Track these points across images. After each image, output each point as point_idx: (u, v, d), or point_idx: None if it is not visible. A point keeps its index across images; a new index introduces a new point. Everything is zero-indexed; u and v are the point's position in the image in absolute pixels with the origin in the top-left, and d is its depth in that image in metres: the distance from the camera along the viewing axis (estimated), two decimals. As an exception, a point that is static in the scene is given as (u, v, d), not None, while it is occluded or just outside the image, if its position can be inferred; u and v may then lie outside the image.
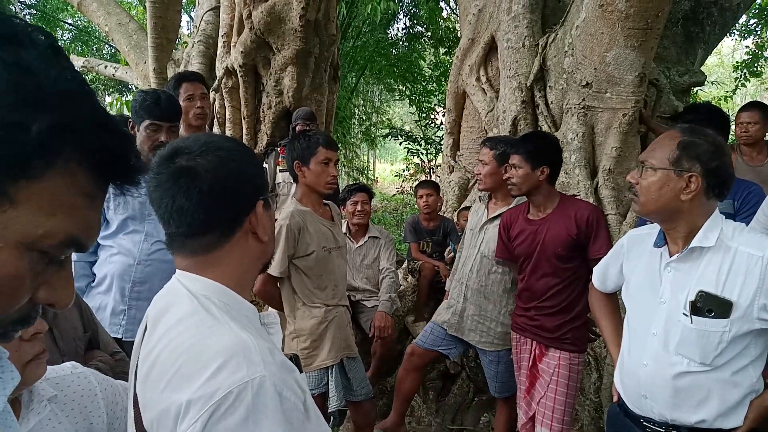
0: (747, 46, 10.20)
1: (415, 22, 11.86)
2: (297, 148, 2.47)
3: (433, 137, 11.86)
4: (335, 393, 2.50)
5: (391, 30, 12.27)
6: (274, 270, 2.41)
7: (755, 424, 1.53)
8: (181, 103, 3.03)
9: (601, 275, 2.00)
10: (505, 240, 2.70)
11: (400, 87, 12.47)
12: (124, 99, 8.87)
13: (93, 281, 2.42)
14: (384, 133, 13.34)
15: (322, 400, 2.50)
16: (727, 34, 7.28)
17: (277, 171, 4.21)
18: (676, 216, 1.59)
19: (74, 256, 2.39)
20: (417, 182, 4.77)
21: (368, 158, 20.60)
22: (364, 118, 14.05)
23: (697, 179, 1.53)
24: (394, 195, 14.25)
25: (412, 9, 11.73)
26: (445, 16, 11.79)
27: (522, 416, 2.64)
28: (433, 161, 12.08)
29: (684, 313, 1.56)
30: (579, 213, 2.48)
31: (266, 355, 0.87)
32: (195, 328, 0.91)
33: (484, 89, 4.36)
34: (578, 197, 3.22)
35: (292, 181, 4.09)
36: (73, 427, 1.22)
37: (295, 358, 1.24)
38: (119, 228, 2.39)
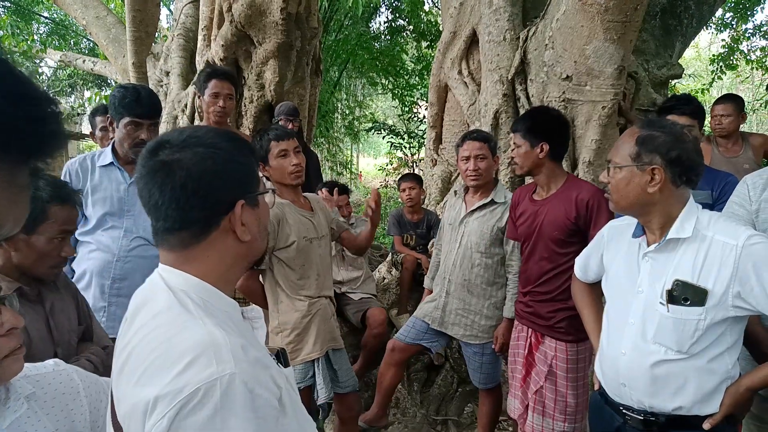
0: (723, 40, 10.32)
1: (397, 15, 11.80)
2: (256, 151, 2.46)
3: (416, 131, 11.86)
4: (323, 385, 2.51)
5: (373, 23, 12.21)
6: None
7: (731, 410, 1.56)
8: (205, 98, 3.07)
9: (583, 265, 2.02)
10: (513, 219, 2.66)
11: (383, 81, 12.41)
12: (103, 94, 8.73)
13: (72, 278, 2.39)
14: (367, 127, 13.29)
15: (308, 392, 2.50)
16: (704, 28, 7.37)
17: None
18: (649, 209, 1.62)
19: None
20: (400, 176, 4.78)
21: (351, 152, 20.54)
22: (347, 112, 13.96)
23: (660, 171, 1.56)
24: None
25: (393, 2, 11.69)
26: (427, 10, 11.77)
27: (519, 405, 2.55)
28: (417, 155, 12.09)
29: (661, 302, 1.58)
30: (580, 196, 2.35)
31: (238, 352, 0.86)
32: (168, 323, 0.91)
33: (465, 82, 4.37)
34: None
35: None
36: (54, 426, 1.20)
37: (282, 353, 1.23)
38: (98, 224, 2.36)
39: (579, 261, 2.05)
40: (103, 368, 1.58)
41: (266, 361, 0.93)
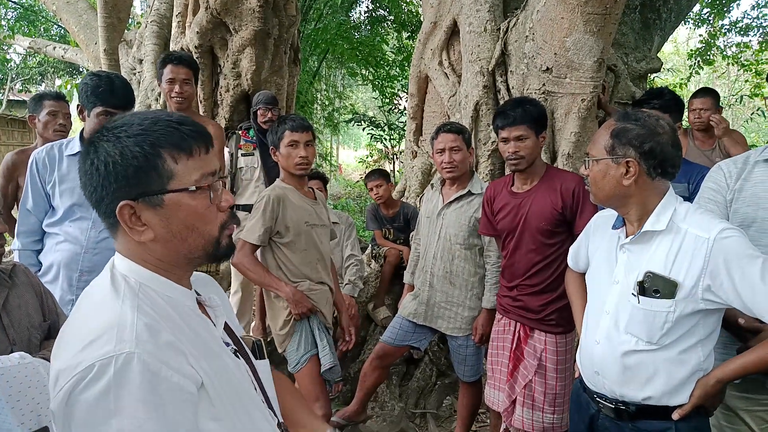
0: (700, 35, 10.49)
1: (378, 5, 11.71)
2: (272, 134, 2.61)
3: (397, 123, 11.82)
4: (327, 351, 2.58)
5: (354, 13, 12.10)
6: (249, 237, 2.49)
7: (701, 402, 1.56)
8: (162, 84, 3.02)
9: (575, 255, 2.05)
10: (488, 214, 2.62)
11: (363, 71, 12.32)
12: (74, 82, 8.52)
13: (39, 270, 2.32)
14: (347, 119, 13.21)
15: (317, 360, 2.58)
16: (682, 23, 7.46)
17: (240, 155, 4.10)
18: (625, 201, 1.64)
19: (18, 244, 2.27)
20: (366, 173, 4.75)
21: (331, 144, 20.44)
22: (326, 103, 13.85)
23: (634, 163, 1.58)
24: (358, 181, 14.19)
25: (374, -8, 11.60)
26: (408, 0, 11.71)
27: (504, 400, 2.55)
28: (397, 147, 12.07)
29: (633, 293, 1.60)
30: (565, 185, 2.35)
31: (143, 334, 0.87)
32: (94, 303, 0.95)
33: (446, 73, 4.35)
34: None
35: (256, 165, 4.04)
36: (19, 420, 1.18)
37: (257, 343, 1.21)
38: (65, 215, 2.29)
39: (571, 251, 2.08)
40: None
41: (181, 346, 0.92)
